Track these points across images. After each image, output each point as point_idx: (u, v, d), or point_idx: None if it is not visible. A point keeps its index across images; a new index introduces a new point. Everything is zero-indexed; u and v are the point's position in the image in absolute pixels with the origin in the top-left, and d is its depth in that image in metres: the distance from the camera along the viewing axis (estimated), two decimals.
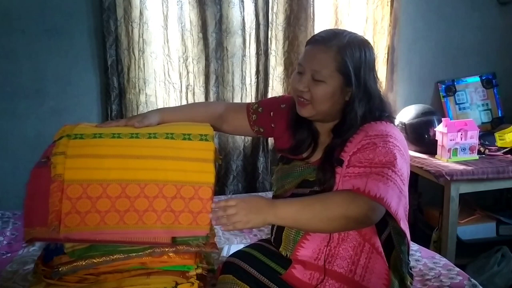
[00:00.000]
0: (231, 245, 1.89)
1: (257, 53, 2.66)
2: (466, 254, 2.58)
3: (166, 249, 1.31)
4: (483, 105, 3.03)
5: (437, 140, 2.56)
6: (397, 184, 1.25)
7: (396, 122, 2.76)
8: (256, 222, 1.23)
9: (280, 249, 1.44)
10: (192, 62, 2.61)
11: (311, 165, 1.43)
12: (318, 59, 1.34)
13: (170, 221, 1.28)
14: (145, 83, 2.58)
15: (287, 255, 1.42)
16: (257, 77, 2.69)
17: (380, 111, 1.38)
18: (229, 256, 1.48)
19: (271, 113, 1.57)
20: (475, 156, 2.53)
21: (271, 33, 2.67)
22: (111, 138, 1.37)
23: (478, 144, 2.56)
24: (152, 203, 1.28)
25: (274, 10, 2.65)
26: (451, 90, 2.99)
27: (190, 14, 2.56)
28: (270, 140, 2.72)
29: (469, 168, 2.40)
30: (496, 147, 2.65)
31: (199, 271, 1.36)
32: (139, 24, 2.50)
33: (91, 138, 1.36)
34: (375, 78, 1.39)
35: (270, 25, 2.66)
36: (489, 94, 3.03)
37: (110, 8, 2.45)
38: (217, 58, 2.63)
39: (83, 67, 2.55)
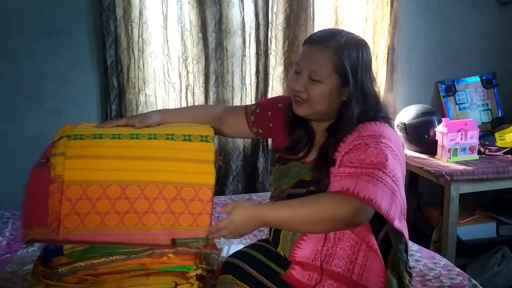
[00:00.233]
0: (231, 246, 1.89)
1: (257, 53, 2.66)
2: (466, 255, 2.58)
3: (166, 250, 1.30)
4: (483, 105, 3.03)
5: (437, 140, 2.56)
6: (388, 185, 1.25)
7: (396, 122, 2.77)
8: (249, 232, 1.28)
9: (278, 249, 1.45)
10: (192, 62, 2.60)
11: (307, 165, 1.43)
12: (315, 59, 1.34)
13: (170, 223, 1.27)
14: (144, 83, 2.57)
15: (285, 255, 1.42)
16: (257, 77, 2.69)
17: (375, 111, 1.39)
18: (228, 256, 1.48)
19: (269, 113, 1.58)
20: (475, 156, 2.53)
21: (271, 33, 2.67)
22: (111, 139, 1.36)
23: (478, 144, 2.56)
24: (152, 204, 1.28)
25: (274, 10, 2.65)
26: (451, 90, 2.99)
27: (190, 14, 2.56)
28: (270, 140, 2.71)
29: (469, 168, 2.40)
30: (496, 147, 2.65)
31: (199, 271, 1.36)
32: (139, 24, 2.50)
33: (91, 139, 1.36)
34: (371, 79, 1.40)
35: (270, 25, 2.65)
36: (489, 94, 3.03)
37: (110, 8, 2.44)
38: (217, 58, 2.62)
39: (82, 67, 2.55)
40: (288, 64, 2.71)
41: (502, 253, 2.53)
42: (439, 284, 1.67)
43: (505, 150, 2.61)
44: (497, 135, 2.68)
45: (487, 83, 3.02)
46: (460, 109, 3.00)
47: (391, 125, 1.40)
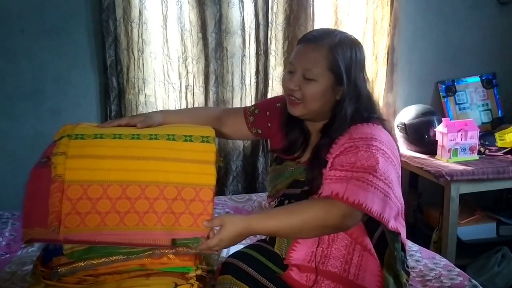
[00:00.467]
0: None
1: (257, 53, 2.66)
2: (466, 255, 2.58)
3: (166, 251, 1.30)
4: (483, 105, 3.02)
5: (437, 140, 2.56)
6: (380, 188, 1.26)
7: (396, 122, 2.77)
8: (240, 242, 1.29)
9: (275, 249, 1.46)
10: (192, 62, 2.60)
11: (302, 165, 1.44)
12: (309, 57, 1.35)
13: (170, 223, 1.27)
14: (144, 83, 2.57)
15: (282, 255, 1.43)
16: (257, 77, 2.69)
17: (368, 112, 1.39)
18: (228, 257, 1.48)
19: (267, 113, 1.59)
20: (475, 156, 2.53)
21: (271, 33, 2.66)
22: (112, 138, 1.36)
23: (478, 144, 2.56)
24: (153, 204, 1.28)
25: (274, 10, 2.65)
26: (451, 90, 2.99)
27: (190, 14, 2.55)
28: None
29: (469, 168, 2.39)
30: (496, 147, 2.65)
31: (199, 272, 1.36)
32: (138, 24, 2.50)
33: (92, 139, 1.35)
34: (364, 78, 1.41)
35: (269, 25, 2.65)
36: (489, 94, 3.03)
37: (109, 8, 2.44)
38: (217, 58, 2.62)
39: (82, 67, 2.55)
40: (288, 64, 2.70)
41: (502, 253, 2.53)
42: (439, 284, 1.67)
43: (505, 150, 2.61)
44: (497, 135, 2.68)
45: (487, 83, 3.02)
46: (460, 109, 2.99)
47: (384, 126, 1.40)
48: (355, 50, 1.36)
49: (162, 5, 2.52)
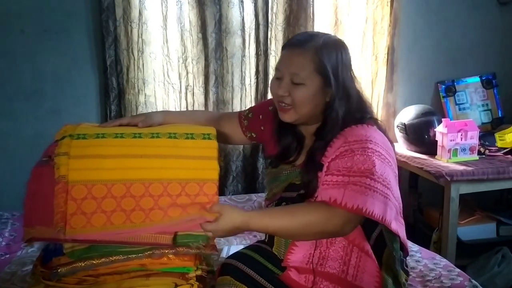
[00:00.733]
0: (231, 246, 1.89)
1: (257, 54, 2.66)
2: (467, 255, 2.58)
3: (166, 251, 1.30)
4: (483, 105, 3.02)
5: (437, 141, 2.56)
6: (379, 190, 1.26)
7: (396, 122, 2.77)
8: (236, 235, 1.34)
9: (274, 250, 1.46)
10: (192, 63, 2.60)
11: (297, 168, 1.44)
12: (296, 62, 1.35)
13: (177, 213, 1.28)
14: (144, 84, 2.57)
15: (280, 257, 1.43)
16: (257, 78, 2.69)
17: (361, 112, 1.39)
18: (227, 258, 1.48)
19: (260, 116, 1.59)
20: (475, 156, 2.53)
21: (271, 33, 2.66)
22: (114, 138, 1.36)
23: (478, 145, 2.56)
24: (157, 201, 1.28)
25: (274, 10, 2.65)
26: (451, 90, 2.99)
27: (190, 14, 2.55)
28: None
29: (469, 168, 2.39)
30: (496, 148, 2.64)
31: (199, 272, 1.36)
32: (138, 24, 2.50)
33: (94, 138, 1.36)
34: (352, 78, 1.41)
35: (269, 25, 2.65)
36: (489, 95, 3.03)
37: (109, 8, 2.44)
38: (217, 58, 2.62)
39: (82, 67, 2.55)
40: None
41: (502, 254, 2.53)
42: (440, 284, 1.67)
43: (505, 151, 2.60)
44: (497, 135, 2.68)
45: (487, 84, 3.02)
46: (460, 109, 2.99)
47: (378, 126, 1.40)
48: (340, 51, 1.37)
49: (162, 5, 2.52)
